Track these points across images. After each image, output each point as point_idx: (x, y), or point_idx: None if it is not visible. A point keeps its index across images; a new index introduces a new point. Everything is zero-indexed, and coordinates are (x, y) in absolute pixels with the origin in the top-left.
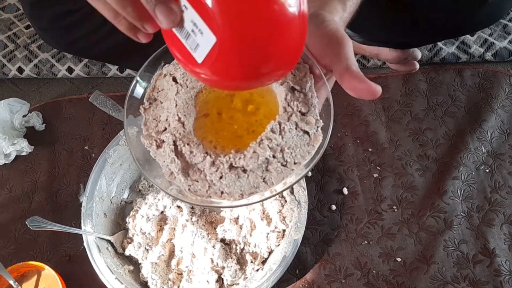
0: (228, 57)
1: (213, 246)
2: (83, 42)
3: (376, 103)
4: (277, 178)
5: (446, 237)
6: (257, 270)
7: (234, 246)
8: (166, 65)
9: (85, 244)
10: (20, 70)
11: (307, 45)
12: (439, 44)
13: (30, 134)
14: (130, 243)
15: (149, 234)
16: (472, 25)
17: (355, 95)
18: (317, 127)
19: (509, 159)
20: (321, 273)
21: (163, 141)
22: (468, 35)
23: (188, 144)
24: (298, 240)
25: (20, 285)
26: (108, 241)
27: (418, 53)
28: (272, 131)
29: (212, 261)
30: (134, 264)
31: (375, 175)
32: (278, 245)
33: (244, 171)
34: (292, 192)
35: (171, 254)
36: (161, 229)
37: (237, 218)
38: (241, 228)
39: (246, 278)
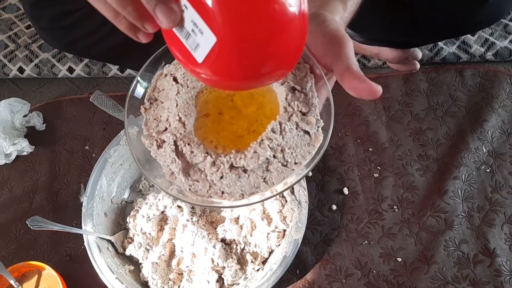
0: (228, 57)
1: (214, 246)
2: (83, 42)
3: (376, 103)
4: (277, 178)
5: (446, 237)
6: (258, 270)
7: (234, 246)
8: (167, 65)
9: (85, 244)
10: (21, 70)
11: (308, 44)
12: (440, 43)
13: (30, 134)
14: (130, 243)
15: (150, 234)
16: (472, 25)
17: (356, 95)
18: (318, 127)
19: (509, 159)
20: (322, 273)
21: (164, 141)
22: (469, 35)
23: (188, 144)
24: (299, 240)
25: (21, 285)
26: (109, 241)
27: (418, 53)
28: (273, 131)
29: (213, 261)
30: (134, 264)
31: (376, 175)
32: (279, 245)
33: (245, 171)
34: (292, 192)
35: (172, 254)
36: (161, 229)
37: (238, 218)
38: (241, 228)
39: (247, 278)
